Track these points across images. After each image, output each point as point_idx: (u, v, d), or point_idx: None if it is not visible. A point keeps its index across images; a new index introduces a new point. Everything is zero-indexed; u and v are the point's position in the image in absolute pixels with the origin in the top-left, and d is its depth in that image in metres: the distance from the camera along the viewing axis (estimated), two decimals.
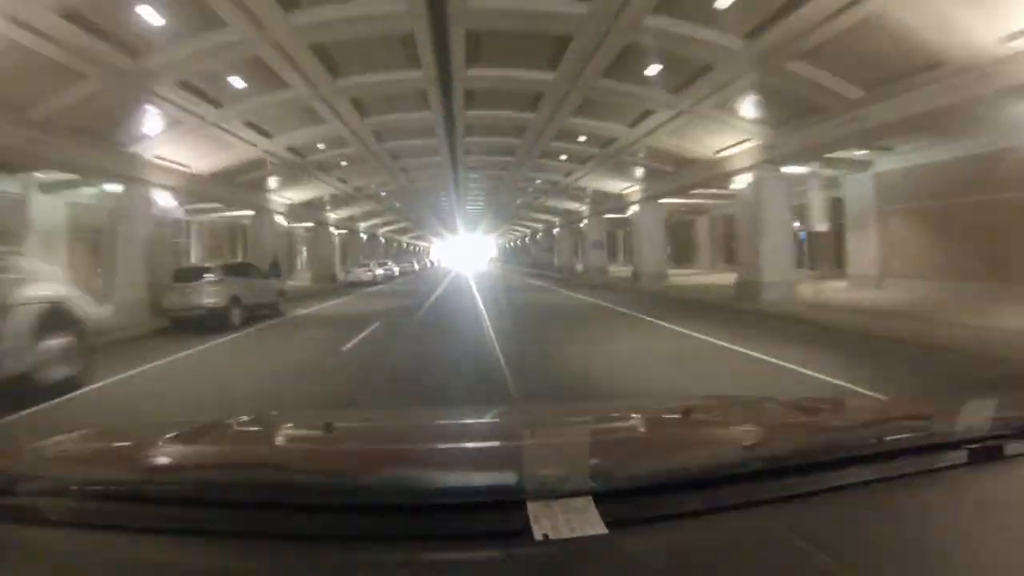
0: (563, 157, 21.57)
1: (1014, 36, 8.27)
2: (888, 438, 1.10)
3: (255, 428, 1.62)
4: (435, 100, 15.41)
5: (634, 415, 1.66)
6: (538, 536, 0.81)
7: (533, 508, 0.85)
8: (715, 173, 17.52)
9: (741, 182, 16.38)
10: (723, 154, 16.88)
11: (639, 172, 22.10)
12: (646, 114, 15.61)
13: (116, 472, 1.10)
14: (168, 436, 1.34)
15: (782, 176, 15.69)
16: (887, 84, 10.61)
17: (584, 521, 0.84)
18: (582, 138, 18.31)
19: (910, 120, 10.92)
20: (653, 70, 12.44)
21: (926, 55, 9.45)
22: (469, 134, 19.03)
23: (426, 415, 2.31)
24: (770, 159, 15.18)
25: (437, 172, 26.31)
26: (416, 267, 54.04)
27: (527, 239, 60.05)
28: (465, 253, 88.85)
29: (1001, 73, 8.76)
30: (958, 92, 9.53)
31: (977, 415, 1.12)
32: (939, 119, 10.59)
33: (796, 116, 13.25)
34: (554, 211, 37.61)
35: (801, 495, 0.96)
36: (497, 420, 1.79)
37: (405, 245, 64.98)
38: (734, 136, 15.61)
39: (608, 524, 0.84)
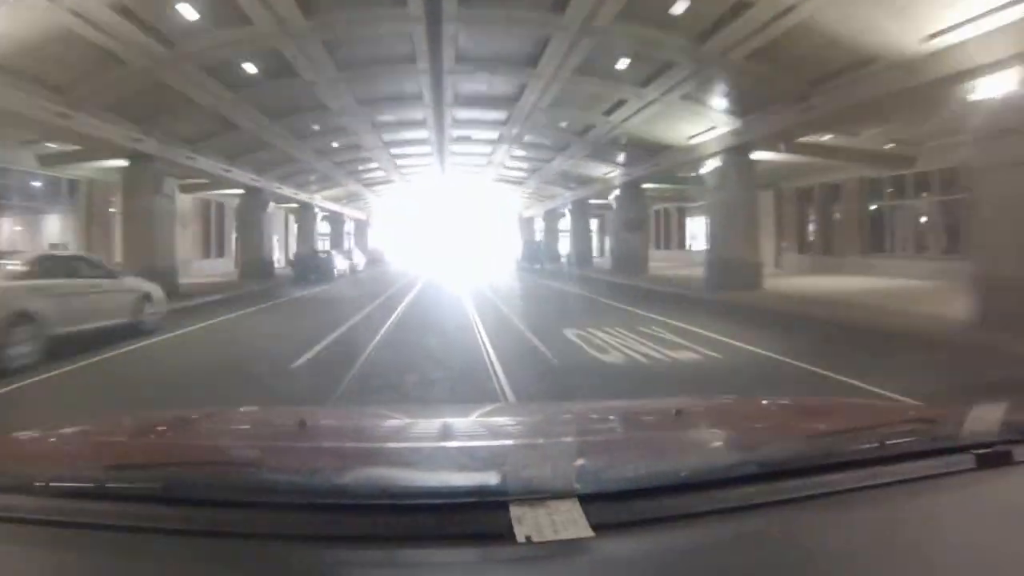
0: (622, 64, 13.05)
1: None
2: (890, 441, 1.04)
3: (226, 422, 1.54)
4: None
5: (624, 415, 1.61)
6: (520, 538, 0.77)
7: (516, 510, 0.80)
8: (920, 80, 9.48)
9: (998, 84, 8.67)
10: (937, 41, 8.96)
11: (732, 102, 13.86)
12: None
13: (80, 468, 1.03)
14: (134, 430, 1.34)
15: None
16: None
17: (569, 523, 0.79)
18: (680, 6, 9.80)
19: None
20: None
21: None
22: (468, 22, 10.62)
23: (407, 412, 2.08)
24: None
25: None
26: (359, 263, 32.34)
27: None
28: (451, 241, 52.13)
29: None
30: None
31: (985, 419, 1.06)
32: None
33: None
34: (567, 179, 29.07)
35: (798, 499, 0.90)
36: (481, 418, 1.67)
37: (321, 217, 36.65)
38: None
39: (594, 527, 0.79)
